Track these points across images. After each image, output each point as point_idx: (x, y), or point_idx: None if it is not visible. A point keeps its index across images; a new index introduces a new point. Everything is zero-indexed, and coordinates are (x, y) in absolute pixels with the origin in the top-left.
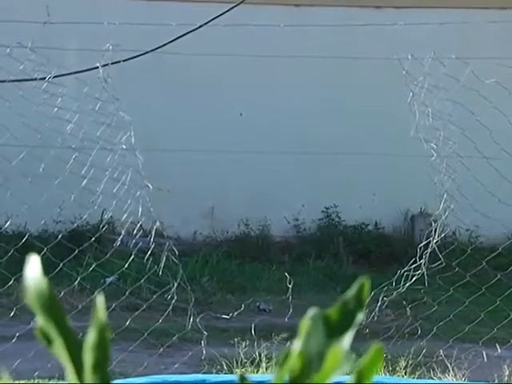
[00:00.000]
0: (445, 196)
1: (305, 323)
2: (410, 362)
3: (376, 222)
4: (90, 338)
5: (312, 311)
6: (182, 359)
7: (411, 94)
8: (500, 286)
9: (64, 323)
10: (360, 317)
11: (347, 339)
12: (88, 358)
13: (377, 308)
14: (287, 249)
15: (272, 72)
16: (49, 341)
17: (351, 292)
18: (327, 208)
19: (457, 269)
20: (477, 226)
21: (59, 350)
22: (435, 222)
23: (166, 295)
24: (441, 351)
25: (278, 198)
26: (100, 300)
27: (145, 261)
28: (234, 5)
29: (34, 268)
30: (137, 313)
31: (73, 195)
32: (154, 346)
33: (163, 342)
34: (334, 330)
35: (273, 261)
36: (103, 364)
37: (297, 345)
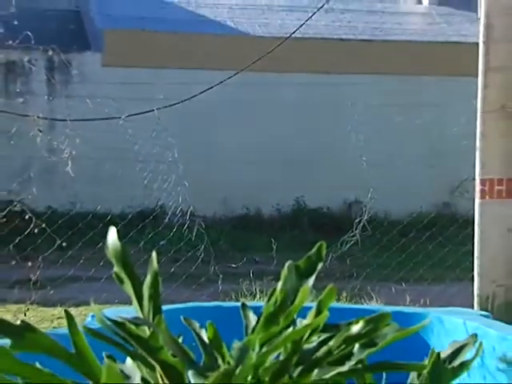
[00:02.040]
0: (371, 190)
1: (284, 270)
2: (349, 294)
3: (328, 207)
4: (147, 279)
5: (288, 263)
6: (207, 292)
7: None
8: (404, 246)
9: (131, 270)
10: (319, 266)
11: (311, 281)
12: (145, 292)
13: (329, 260)
14: (273, 224)
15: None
16: (121, 281)
17: (313, 250)
18: (297, 197)
19: (381, 236)
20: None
21: (128, 288)
22: (365, 206)
23: (196, 253)
24: (368, 287)
25: (267, 192)
26: (154, 256)
27: (183, 231)
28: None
29: (112, 234)
30: (178, 263)
31: (139, 190)
32: (189, 285)
33: (195, 283)
34: (302, 275)
35: (264, 231)
36: (156, 297)
37: (279, 284)
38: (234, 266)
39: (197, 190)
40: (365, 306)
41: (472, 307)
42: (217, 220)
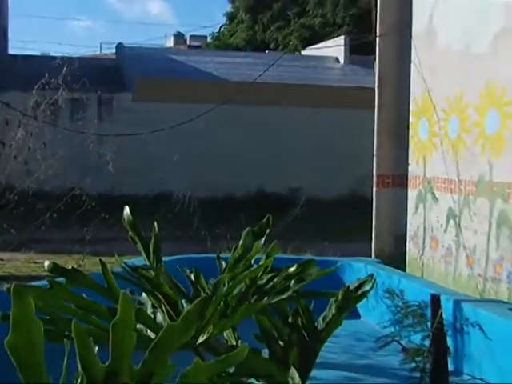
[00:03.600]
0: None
1: (244, 233)
2: (292, 250)
3: (280, 192)
4: (152, 240)
5: (247, 228)
6: (200, 249)
7: None
8: (329, 217)
9: (140, 234)
10: (268, 230)
11: (262, 240)
12: (150, 248)
13: (280, 227)
14: (243, 205)
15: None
16: (134, 242)
17: (264, 220)
18: (260, 186)
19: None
20: (321, 192)
21: (139, 246)
22: (303, 191)
23: (193, 223)
24: (305, 245)
25: (240, 182)
26: (155, 225)
27: (184, 208)
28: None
29: (126, 211)
30: (180, 230)
31: (156, 180)
32: (190, 244)
33: (194, 243)
34: (256, 236)
35: (237, 209)
36: (157, 251)
37: (240, 242)
38: (217, 231)
39: (194, 181)
40: (301, 256)
41: (370, 256)
42: (207, 201)
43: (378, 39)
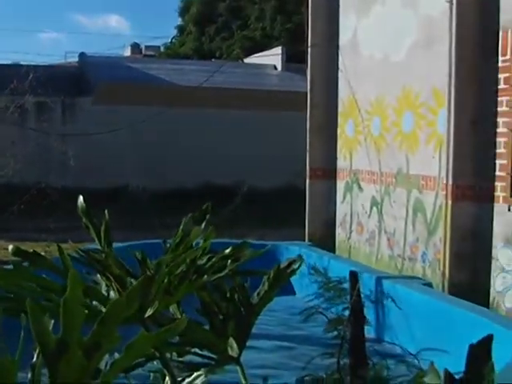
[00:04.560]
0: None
1: (184, 219)
2: (236, 235)
3: (222, 184)
4: (102, 226)
5: (189, 214)
6: (152, 236)
7: None
8: (268, 206)
9: (92, 221)
10: (207, 217)
11: (202, 225)
12: (101, 234)
13: (220, 214)
14: (192, 196)
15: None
16: (87, 228)
17: (203, 207)
18: (207, 178)
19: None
20: (262, 184)
21: (91, 231)
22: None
23: (147, 212)
24: (247, 230)
25: (188, 176)
26: (106, 212)
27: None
28: None
29: (80, 200)
30: (136, 218)
31: (115, 174)
32: (143, 232)
33: (146, 231)
34: (196, 221)
35: (187, 199)
36: (107, 236)
37: (181, 227)
38: (167, 220)
39: (148, 175)
40: (242, 240)
41: (304, 240)
42: (159, 193)
43: (309, 49)
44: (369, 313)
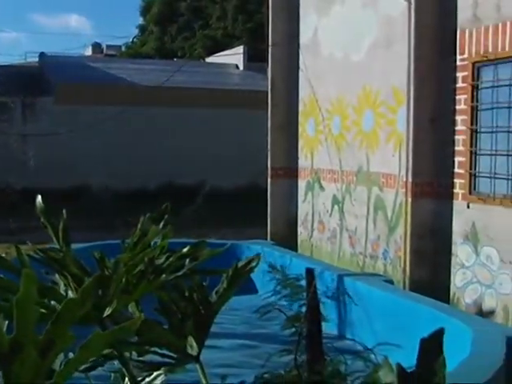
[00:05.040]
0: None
1: (142, 218)
2: (198, 234)
3: (184, 184)
4: (60, 225)
5: (148, 214)
6: (114, 236)
7: None
8: (229, 206)
9: (50, 220)
10: (166, 216)
11: (160, 225)
12: (59, 233)
13: (186, 214)
14: (155, 196)
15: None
16: (45, 227)
17: (162, 207)
18: (170, 178)
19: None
20: (223, 184)
21: (49, 231)
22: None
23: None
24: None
25: (151, 176)
26: (64, 212)
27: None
28: None
29: (39, 199)
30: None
31: (75, 174)
32: (105, 232)
33: (109, 231)
34: (155, 221)
35: (149, 201)
36: (65, 236)
37: (138, 226)
38: (130, 220)
39: (111, 175)
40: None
41: (267, 239)
42: (122, 193)
43: (270, 49)
44: (331, 310)
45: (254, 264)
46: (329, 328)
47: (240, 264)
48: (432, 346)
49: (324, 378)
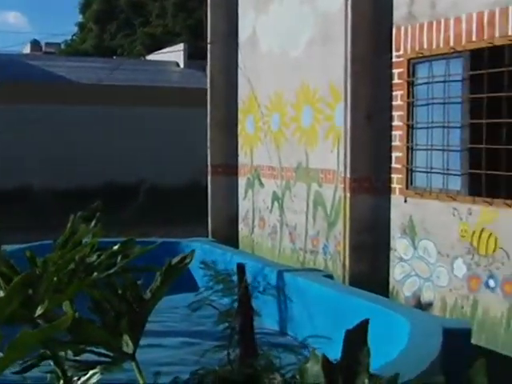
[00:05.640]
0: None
1: (72, 217)
2: (138, 233)
3: (124, 183)
4: None
5: (79, 213)
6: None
7: None
8: (173, 203)
9: None
10: (97, 215)
11: (93, 223)
12: None
13: (125, 213)
14: (94, 196)
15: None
16: None
17: (93, 205)
18: (111, 177)
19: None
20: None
21: None
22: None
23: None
24: (150, 228)
25: (90, 175)
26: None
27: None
28: None
29: None
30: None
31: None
32: (44, 233)
33: (48, 231)
34: (85, 220)
35: (88, 200)
36: None
37: (68, 225)
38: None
39: (51, 175)
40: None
41: (207, 236)
42: (61, 193)
43: (209, 46)
44: (271, 306)
45: (187, 261)
46: (270, 324)
47: (174, 261)
48: (357, 337)
49: (257, 371)
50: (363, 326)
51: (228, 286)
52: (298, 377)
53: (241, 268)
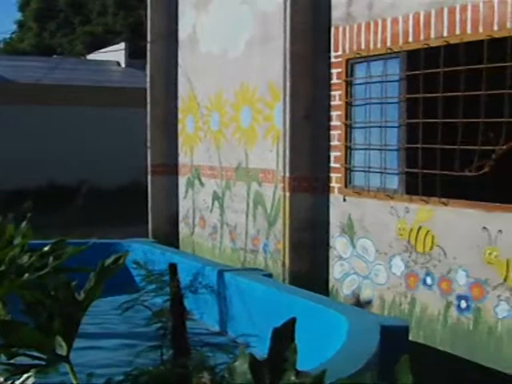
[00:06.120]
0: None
1: (5, 218)
2: (82, 234)
3: (65, 184)
4: None
5: (9, 214)
6: None
7: None
8: (114, 204)
9: None
10: (28, 215)
11: (23, 224)
12: None
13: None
14: (34, 197)
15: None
16: None
17: (24, 205)
18: (50, 177)
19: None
20: (106, 182)
21: None
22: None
23: None
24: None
25: (30, 177)
26: None
27: None
28: None
29: None
30: None
31: None
32: None
33: None
34: (16, 221)
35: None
36: None
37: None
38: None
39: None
40: (83, 240)
41: (148, 237)
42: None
43: (148, 45)
44: (212, 306)
45: (121, 261)
46: (210, 323)
47: (107, 262)
48: (284, 335)
49: (188, 371)
50: (290, 324)
51: (160, 285)
52: (226, 375)
53: (173, 267)
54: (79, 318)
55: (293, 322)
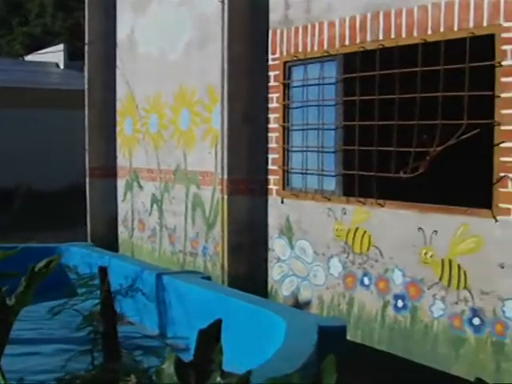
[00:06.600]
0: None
1: None
2: (22, 238)
3: (2, 187)
4: None
5: None
6: None
7: None
8: (54, 206)
9: None
10: None
11: None
12: None
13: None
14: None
15: None
16: None
17: None
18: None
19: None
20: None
21: None
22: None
23: None
24: (33, 234)
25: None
26: None
27: None
28: None
29: None
30: None
31: None
32: None
33: None
34: None
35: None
36: None
37: None
38: None
39: None
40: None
41: (87, 241)
42: None
43: (86, 47)
44: (151, 310)
45: (52, 265)
46: (150, 327)
47: (37, 266)
48: (209, 337)
49: (118, 375)
50: (216, 325)
51: (90, 289)
52: (154, 378)
53: (103, 270)
54: (10, 323)
55: (218, 323)
